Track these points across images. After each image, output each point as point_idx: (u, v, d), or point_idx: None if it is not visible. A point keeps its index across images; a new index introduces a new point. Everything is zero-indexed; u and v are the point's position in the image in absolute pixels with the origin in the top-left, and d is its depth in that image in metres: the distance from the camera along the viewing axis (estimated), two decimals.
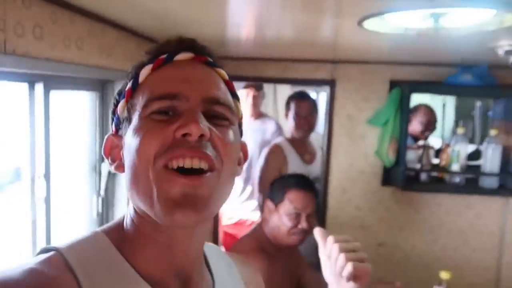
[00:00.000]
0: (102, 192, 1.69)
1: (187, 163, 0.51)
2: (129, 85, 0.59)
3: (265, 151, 2.60)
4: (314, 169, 2.57)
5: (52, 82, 1.27)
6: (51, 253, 0.52)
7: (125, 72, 1.75)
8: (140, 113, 0.54)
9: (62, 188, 1.47)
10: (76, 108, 1.59)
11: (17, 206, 1.31)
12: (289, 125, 2.67)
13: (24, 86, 1.20)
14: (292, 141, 2.57)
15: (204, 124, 0.51)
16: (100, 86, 1.62)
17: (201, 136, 0.51)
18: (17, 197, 1.31)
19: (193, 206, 0.50)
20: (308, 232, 1.69)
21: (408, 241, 2.74)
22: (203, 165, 0.52)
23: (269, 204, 1.72)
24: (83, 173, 1.65)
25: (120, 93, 0.61)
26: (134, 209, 0.57)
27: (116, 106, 0.61)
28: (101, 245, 0.55)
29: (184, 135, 0.50)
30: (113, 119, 0.62)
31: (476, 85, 2.37)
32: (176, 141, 0.51)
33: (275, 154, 2.51)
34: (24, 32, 1.02)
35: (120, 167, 0.58)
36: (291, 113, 2.54)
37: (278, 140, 2.67)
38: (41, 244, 1.33)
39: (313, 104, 2.58)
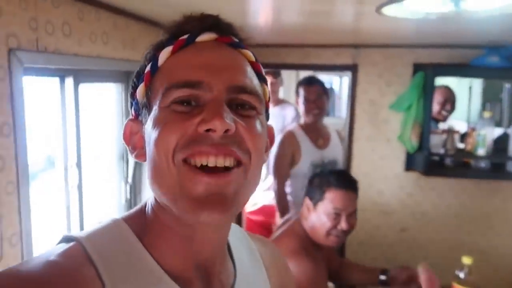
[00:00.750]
0: (129, 179, 1.77)
1: (211, 161, 0.47)
2: (148, 68, 0.53)
3: (279, 138, 2.63)
4: (328, 154, 2.58)
5: (81, 76, 1.33)
6: (72, 244, 0.49)
7: None
8: (159, 102, 0.50)
9: (93, 176, 1.55)
10: (104, 99, 1.66)
11: (51, 192, 1.40)
12: (300, 111, 2.67)
13: (56, 80, 1.27)
14: (304, 126, 2.58)
15: (230, 118, 0.47)
16: (126, 78, 1.68)
17: (226, 131, 0.47)
18: (51, 184, 1.40)
19: (219, 205, 0.47)
20: (347, 233, 1.61)
21: (432, 226, 2.73)
22: (228, 162, 0.48)
23: (308, 202, 1.65)
24: (111, 161, 1.73)
25: (138, 76, 0.56)
26: (156, 199, 0.54)
27: (134, 89, 0.56)
28: (122, 235, 0.52)
29: (208, 130, 0.47)
30: (132, 104, 0.57)
31: (504, 66, 2.30)
32: (198, 136, 0.47)
33: (287, 140, 2.52)
34: (54, 30, 1.08)
35: (142, 156, 0.54)
36: (301, 99, 2.54)
37: (291, 126, 2.68)
38: (75, 228, 1.42)
39: (322, 88, 2.57)
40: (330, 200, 1.57)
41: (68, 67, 1.19)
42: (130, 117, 0.57)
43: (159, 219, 0.53)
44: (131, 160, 1.76)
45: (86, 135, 1.45)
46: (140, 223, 0.54)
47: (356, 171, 2.69)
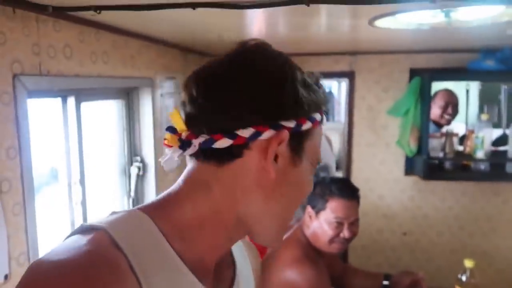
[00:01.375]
0: (132, 193, 1.80)
1: None
2: (316, 119, 0.58)
3: None
4: None
5: (82, 95, 1.37)
6: (100, 232, 0.49)
7: (148, 79, 1.82)
8: (306, 163, 0.59)
9: (96, 191, 1.58)
10: (105, 116, 1.69)
11: (56, 207, 1.42)
12: None
13: (58, 100, 1.30)
14: None
15: None
16: (126, 94, 1.72)
17: None
18: (55, 199, 1.43)
19: None
20: (350, 241, 1.62)
21: (434, 229, 2.74)
22: None
23: (310, 210, 1.65)
24: (114, 176, 1.76)
25: (299, 109, 0.56)
26: (227, 212, 0.56)
27: (294, 114, 0.56)
28: (144, 225, 0.53)
29: None
30: (277, 124, 0.55)
31: (499, 69, 2.33)
32: None
33: None
34: (56, 53, 1.11)
35: (278, 172, 0.56)
36: None
37: None
38: None
39: None
40: (332, 210, 1.58)
41: (70, 87, 1.22)
42: (280, 129, 0.55)
43: (208, 224, 0.56)
44: (133, 174, 1.79)
45: (89, 152, 1.48)
46: (164, 216, 0.54)
47: (356, 176, 2.71)
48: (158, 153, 1.85)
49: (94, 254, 0.46)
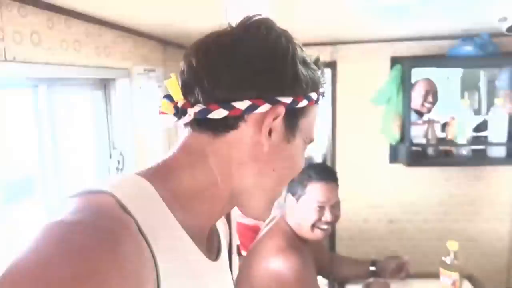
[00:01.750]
0: None
1: None
2: (313, 98, 0.59)
3: None
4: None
5: (55, 86, 1.32)
6: (105, 195, 0.48)
7: (124, 70, 1.78)
8: (300, 139, 0.61)
9: (73, 185, 1.53)
10: (81, 108, 1.65)
11: (30, 202, 1.38)
12: None
13: (28, 91, 1.26)
14: None
15: None
16: (103, 86, 1.67)
17: None
18: (32, 202, 1.38)
19: None
20: (332, 224, 1.63)
21: (419, 215, 2.76)
22: None
23: (291, 198, 1.66)
24: (92, 170, 1.72)
25: (303, 86, 0.58)
26: (219, 180, 0.57)
27: (293, 92, 0.57)
28: (147, 191, 0.52)
29: None
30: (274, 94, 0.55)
31: (478, 55, 2.35)
32: None
33: None
34: (22, 39, 1.07)
35: (271, 147, 0.57)
36: None
37: None
38: None
39: None
40: (313, 194, 1.60)
41: (40, 76, 1.18)
42: (282, 108, 0.56)
43: (202, 193, 0.57)
44: (112, 167, 1.75)
45: (65, 145, 1.44)
46: (163, 183, 0.54)
47: (341, 166, 2.71)
48: (137, 147, 1.82)
49: (107, 213, 0.46)
